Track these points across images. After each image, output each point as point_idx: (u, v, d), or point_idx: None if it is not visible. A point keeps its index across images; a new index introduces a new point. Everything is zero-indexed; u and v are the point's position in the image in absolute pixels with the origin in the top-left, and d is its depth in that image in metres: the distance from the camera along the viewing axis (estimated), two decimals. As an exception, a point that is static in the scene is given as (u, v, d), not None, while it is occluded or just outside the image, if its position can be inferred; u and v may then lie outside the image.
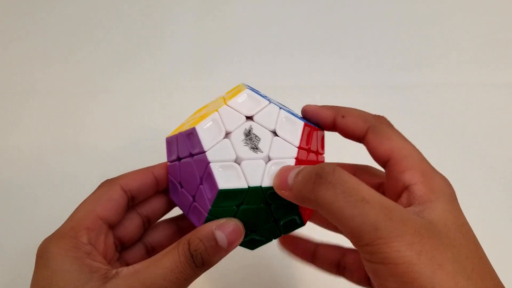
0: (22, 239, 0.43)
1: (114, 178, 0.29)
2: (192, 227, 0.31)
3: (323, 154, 0.30)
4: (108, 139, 0.51)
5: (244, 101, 0.26)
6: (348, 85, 0.56)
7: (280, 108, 0.26)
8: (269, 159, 0.25)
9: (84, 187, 0.47)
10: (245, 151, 0.24)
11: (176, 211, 0.32)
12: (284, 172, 0.24)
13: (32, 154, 0.50)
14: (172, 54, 0.58)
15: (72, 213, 0.27)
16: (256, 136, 0.25)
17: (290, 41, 0.59)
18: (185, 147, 0.26)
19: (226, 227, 0.24)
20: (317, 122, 0.28)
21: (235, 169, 0.24)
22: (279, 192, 0.24)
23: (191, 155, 0.26)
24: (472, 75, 0.56)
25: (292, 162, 0.24)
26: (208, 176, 0.24)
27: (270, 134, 0.25)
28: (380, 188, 0.28)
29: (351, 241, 0.21)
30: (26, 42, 0.59)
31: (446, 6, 0.61)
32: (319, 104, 0.29)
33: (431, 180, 0.23)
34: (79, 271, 0.23)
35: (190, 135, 0.26)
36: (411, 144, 0.25)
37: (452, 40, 0.58)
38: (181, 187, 0.28)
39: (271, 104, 0.26)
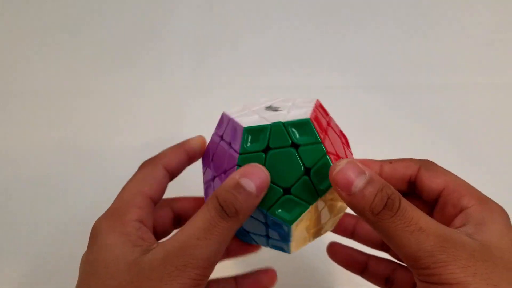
0: (22, 239, 0.43)
1: (155, 157, 0.29)
2: None
3: (348, 146, 0.30)
4: (107, 139, 0.51)
5: (264, 100, 0.30)
6: (348, 85, 0.56)
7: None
8: (289, 112, 0.27)
9: (83, 187, 0.47)
10: (267, 113, 0.27)
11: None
12: (349, 172, 0.23)
13: (31, 154, 0.50)
14: (172, 53, 0.58)
15: (120, 193, 0.27)
16: (276, 106, 0.28)
17: (290, 41, 0.59)
18: (217, 137, 0.29)
19: (249, 171, 0.24)
20: None
21: (259, 116, 0.26)
22: (336, 188, 0.24)
23: (222, 138, 0.28)
24: (472, 75, 0.56)
25: (309, 113, 0.26)
26: (234, 131, 0.26)
27: (288, 106, 0.28)
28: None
29: (407, 264, 0.23)
30: (26, 42, 0.59)
31: (446, 7, 0.61)
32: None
33: (486, 204, 0.25)
34: (123, 244, 0.24)
35: (220, 119, 0.29)
36: (462, 179, 0.27)
37: (452, 40, 0.58)
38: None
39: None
